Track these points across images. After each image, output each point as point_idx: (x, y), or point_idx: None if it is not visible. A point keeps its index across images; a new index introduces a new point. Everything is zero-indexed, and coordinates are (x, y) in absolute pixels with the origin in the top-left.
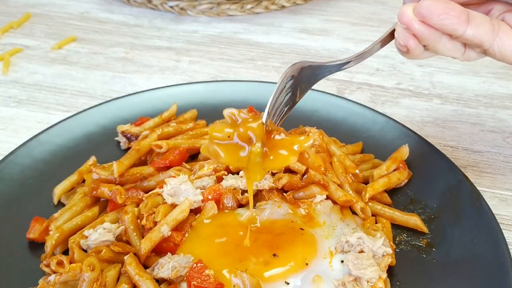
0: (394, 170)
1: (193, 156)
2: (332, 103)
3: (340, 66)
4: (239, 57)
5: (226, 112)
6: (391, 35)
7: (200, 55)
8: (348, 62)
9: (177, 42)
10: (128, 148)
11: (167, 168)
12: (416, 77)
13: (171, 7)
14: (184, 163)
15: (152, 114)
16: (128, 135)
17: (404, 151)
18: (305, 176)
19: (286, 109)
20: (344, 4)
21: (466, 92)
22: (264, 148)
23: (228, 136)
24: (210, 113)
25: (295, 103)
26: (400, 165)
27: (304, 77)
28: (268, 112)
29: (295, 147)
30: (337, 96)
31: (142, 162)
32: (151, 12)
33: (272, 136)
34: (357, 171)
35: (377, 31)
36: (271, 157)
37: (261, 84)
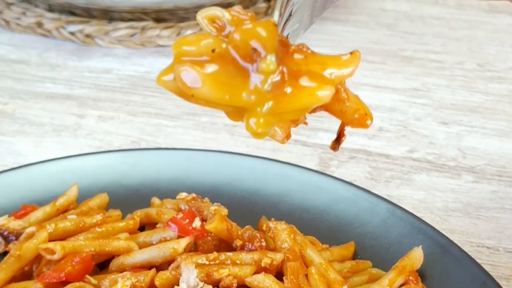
0: (402, 286)
1: (101, 265)
2: (310, 183)
3: None
4: (174, 110)
5: (203, 14)
6: None
7: (115, 107)
8: None
9: (80, 88)
10: (5, 253)
11: (63, 284)
12: (437, 140)
13: (72, 33)
14: (88, 277)
15: (41, 201)
16: (5, 233)
17: (417, 257)
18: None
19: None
20: (334, 29)
21: (511, 164)
22: (280, 68)
23: (213, 51)
24: (127, 199)
25: (310, 23)
26: (411, 277)
27: None
28: (281, 12)
29: (329, 73)
30: (318, 172)
31: (25, 274)
32: (42, 40)
33: (290, 51)
34: (345, 287)
35: (382, 70)
36: (288, 90)
37: (207, 154)
